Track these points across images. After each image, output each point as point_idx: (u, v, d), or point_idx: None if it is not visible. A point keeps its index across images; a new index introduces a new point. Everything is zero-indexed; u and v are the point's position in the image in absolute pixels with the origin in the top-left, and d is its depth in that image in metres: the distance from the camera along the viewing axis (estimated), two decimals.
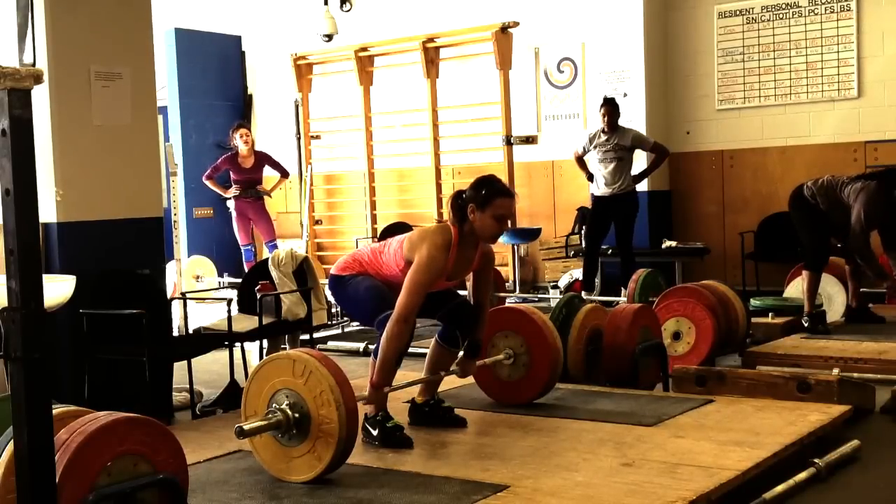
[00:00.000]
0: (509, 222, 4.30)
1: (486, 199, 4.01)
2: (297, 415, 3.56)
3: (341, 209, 11.57)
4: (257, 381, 3.68)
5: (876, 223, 6.32)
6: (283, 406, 3.57)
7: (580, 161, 8.61)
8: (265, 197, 10.07)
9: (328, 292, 4.71)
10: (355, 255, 4.26)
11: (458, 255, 4.05)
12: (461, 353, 4.34)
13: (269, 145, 10.82)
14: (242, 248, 9.97)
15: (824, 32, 8.84)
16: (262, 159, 10.03)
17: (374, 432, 4.00)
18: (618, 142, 8.28)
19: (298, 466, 3.58)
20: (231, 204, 11.70)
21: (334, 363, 3.62)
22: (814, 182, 6.68)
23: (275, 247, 9.67)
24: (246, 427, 3.53)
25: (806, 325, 6.47)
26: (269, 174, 10.09)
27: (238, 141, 9.80)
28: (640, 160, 8.64)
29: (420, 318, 4.22)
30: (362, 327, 7.84)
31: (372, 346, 4.62)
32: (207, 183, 10.11)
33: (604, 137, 8.34)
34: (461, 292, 4.43)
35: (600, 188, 8.38)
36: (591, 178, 8.53)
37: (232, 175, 9.88)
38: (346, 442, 3.55)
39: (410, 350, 4.36)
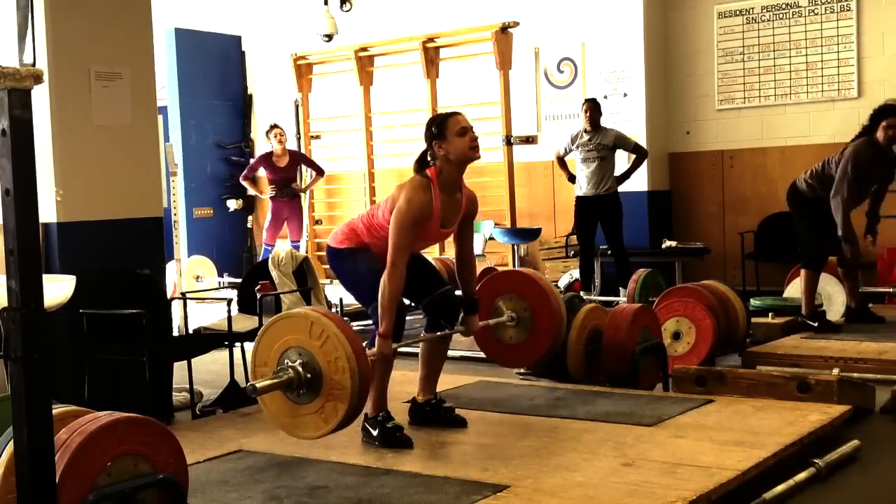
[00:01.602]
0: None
1: (441, 126, 4.09)
2: (308, 375, 3.56)
3: (341, 209, 11.56)
4: (270, 334, 3.67)
5: (861, 172, 6.30)
6: (296, 364, 3.56)
7: (561, 161, 8.62)
8: (301, 196, 10.20)
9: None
10: (350, 225, 4.23)
11: (442, 197, 4.05)
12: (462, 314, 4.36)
13: (269, 145, 10.81)
14: (265, 247, 9.98)
15: (824, 32, 8.84)
16: (297, 158, 10.14)
17: (374, 432, 4.00)
18: (600, 141, 8.29)
19: (304, 424, 3.60)
20: (231, 204, 11.74)
21: (352, 330, 3.61)
22: (806, 172, 6.68)
23: (298, 247, 9.73)
24: (259, 385, 3.54)
25: (815, 324, 6.46)
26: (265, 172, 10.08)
27: (272, 141, 9.87)
28: (621, 162, 8.62)
29: (411, 299, 4.24)
30: (363, 327, 7.85)
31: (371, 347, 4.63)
32: (245, 183, 10.19)
33: (586, 137, 8.35)
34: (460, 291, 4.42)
35: (583, 188, 8.38)
36: (571, 178, 8.53)
37: (267, 175, 9.93)
38: (356, 408, 3.56)
39: (406, 350, 4.36)
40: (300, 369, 3.56)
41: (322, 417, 3.56)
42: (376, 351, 3.91)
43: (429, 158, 4.12)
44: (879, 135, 6.36)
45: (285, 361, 3.61)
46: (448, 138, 4.06)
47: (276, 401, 3.65)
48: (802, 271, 6.62)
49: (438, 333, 4.30)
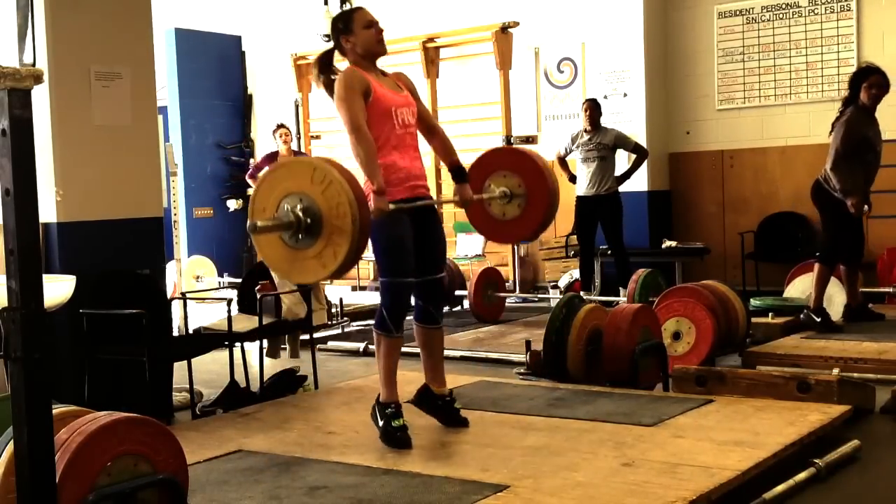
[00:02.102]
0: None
1: (348, 21, 4.13)
2: (308, 220, 3.54)
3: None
4: (271, 180, 3.66)
5: (859, 138, 6.38)
6: (297, 210, 3.55)
7: (562, 162, 8.61)
8: None
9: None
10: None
11: (372, 75, 4.08)
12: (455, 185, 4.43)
13: (270, 145, 10.81)
14: None
15: (824, 32, 8.84)
16: None
17: (380, 423, 4.04)
18: (600, 141, 8.29)
19: (302, 269, 3.61)
20: (231, 204, 11.74)
21: (354, 178, 3.60)
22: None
23: None
24: (259, 223, 3.54)
25: (818, 319, 6.48)
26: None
27: (278, 140, 9.86)
28: (622, 162, 8.62)
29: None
30: (362, 327, 7.85)
31: (371, 347, 4.63)
32: (251, 181, 10.19)
33: (586, 137, 8.35)
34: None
35: (584, 188, 8.38)
36: (572, 179, 8.53)
37: None
38: (355, 254, 3.56)
39: (406, 350, 4.35)
40: (300, 214, 3.54)
41: (321, 262, 3.55)
42: (373, 207, 3.84)
43: (338, 58, 4.14)
44: (863, 96, 6.47)
45: (285, 207, 3.59)
46: (355, 31, 4.11)
47: (273, 246, 3.63)
48: (816, 265, 6.62)
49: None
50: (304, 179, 3.57)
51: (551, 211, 4.56)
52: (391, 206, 3.95)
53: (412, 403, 4.31)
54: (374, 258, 4.32)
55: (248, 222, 3.58)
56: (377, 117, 4.04)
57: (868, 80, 6.46)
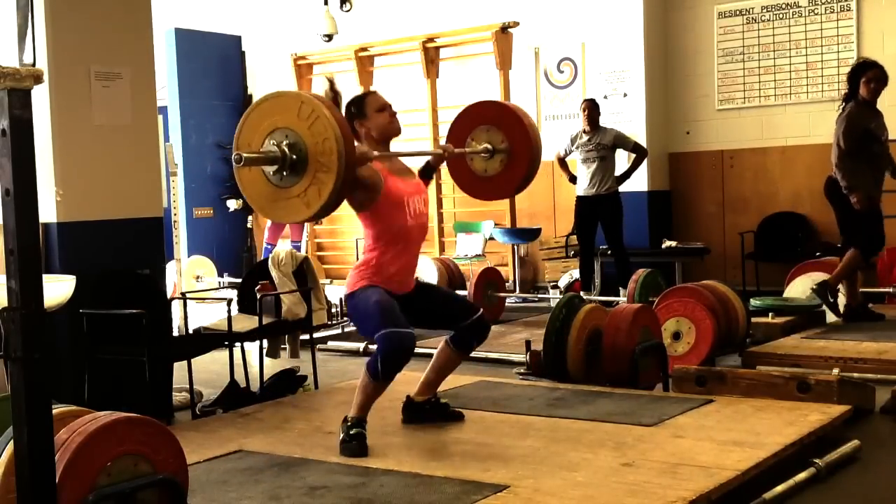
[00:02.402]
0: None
1: (360, 106, 4.13)
2: (294, 156, 3.51)
3: (341, 209, 11.50)
4: (257, 114, 3.63)
5: (862, 132, 6.45)
6: (283, 145, 3.52)
7: (562, 163, 8.61)
8: None
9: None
10: (357, 263, 4.19)
11: (385, 162, 4.07)
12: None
13: None
14: (266, 246, 9.97)
15: (824, 32, 8.85)
16: None
17: (340, 435, 3.96)
18: (599, 141, 8.29)
19: (285, 207, 3.58)
20: (231, 204, 11.74)
21: (342, 115, 3.58)
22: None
23: (299, 247, 9.70)
24: (245, 154, 3.51)
25: (831, 299, 6.62)
26: None
27: None
28: (622, 162, 8.62)
29: (436, 329, 4.23)
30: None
31: (372, 346, 4.63)
32: None
33: (585, 137, 8.35)
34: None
35: (584, 188, 8.38)
36: (573, 179, 8.54)
37: None
38: (339, 194, 3.54)
39: (416, 350, 4.36)
40: (286, 150, 3.51)
41: (304, 201, 3.51)
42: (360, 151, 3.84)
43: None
44: (863, 91, 6.53)
45: (271, 142, 3.54)
46: (368, 115, 4.11)
47: (257, 184, 3.60)
48: (851, 249, 6.68)
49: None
50: (291, 114, 3.53)
51: (533, 167, 4.54)
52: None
53: (404, 423, 4.31)
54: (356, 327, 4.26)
55: (234, 154, 3.53)
56: (389, 208, 4.03)
57: (866, 74, 6.51)
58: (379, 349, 3.87)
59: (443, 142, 4.63)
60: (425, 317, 4.20)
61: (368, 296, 3.99)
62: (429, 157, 4.50)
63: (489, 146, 4.49)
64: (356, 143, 3.81)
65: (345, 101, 4.09)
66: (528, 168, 4.51)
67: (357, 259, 4.21)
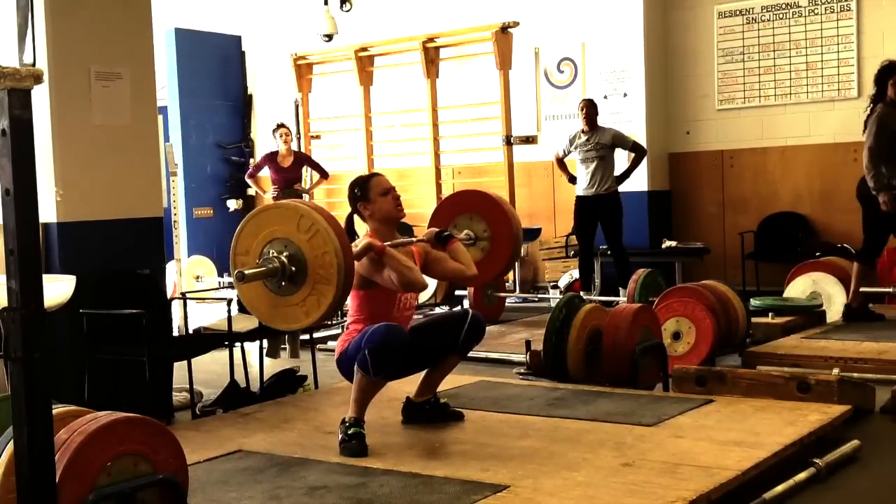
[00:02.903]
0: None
1: (364, 188, 4.16)
2: (293, 267, 3.56)
3: (341, 209, 11.54)
4: (254, 224, 3.69)
5: (886, 135, 6.46)
6: (282, 256, 3.56)
7: (560, 163, 8.62)
8: (304, 196, 10.19)
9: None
10: (344, 333, 4.19)
11: (391, 246, 4.06)
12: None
13: (270, 145, 10.83)
14: None
15: (824, 32, 8.84)
16: (302, 159, 10.13)
17: (339, 435, 3.97)
18: (598, 140, 8.29)
19: (284, 315, 3.64)
20: (231, 204, 11.74)
21: (340, 226, 3.62)
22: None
23: None
24: (247, 272, 3.57)
25: (854, 307, 6.68)
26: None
27: (277, 140, 9.86)
28: (621, 162, 8.62)
29: (445, 356, 4.26)
30: None
31: None
32: (250, 181, 10.21)
33: (584, 137, 8.35)
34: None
35: (583, 188, 8.38)
36: (572, 180, 8.53)
37: (271, 174, 9.92)
38: (338, 303, 3.59)
39: None
40: (285, 261, 3.55)
41: (304, 310, 3.57)
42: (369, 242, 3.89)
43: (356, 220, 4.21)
44: (891, 92, 6.55)
45: (270, 252, 3.59)
46: (372, 199, 4.13)
47: (255, 290, 3.64)
48: (854, 263, 6.79)
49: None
50: (290, 226, 3.58)
51: (514, 257, 4.68)
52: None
53: (404, 423, 4.32)
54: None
55: (236, 272, 3.59)
56: (380, 297, 4.05)
57: (893, 76, 6.54)
58: (365, 342, 3.86)
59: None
60: (426, 353, 4.21)
61: (354, 343, 4.00)
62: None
63: (471, 234, 4.56)
64: (362, 236, 3.90)
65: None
66: (510, 258, 4.63)
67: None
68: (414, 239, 4.33)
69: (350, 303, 4.13)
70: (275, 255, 3.58)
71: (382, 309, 4.06)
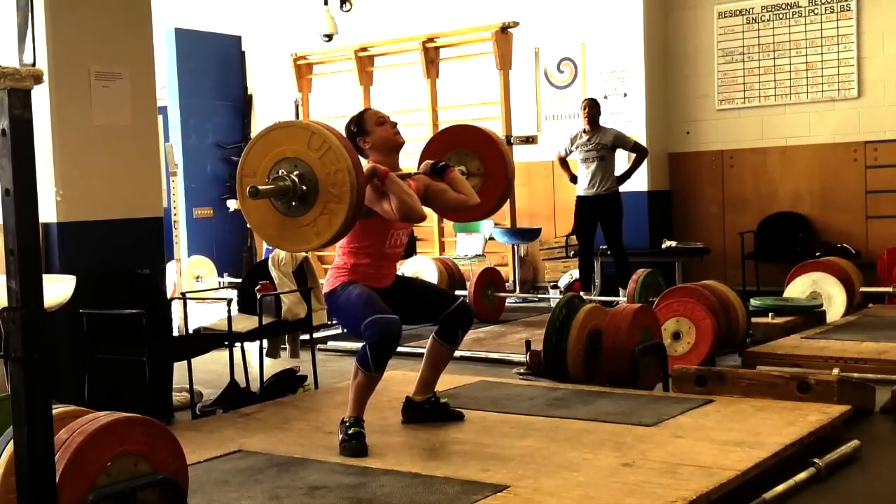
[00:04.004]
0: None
1: (360, 123, 4.16)
2: (304, 186, 3.51)
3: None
4: (263, 143, 3.63)
5: None
6: (293, 175, 3.52)
7: (563, 163, 8.62)
8: None
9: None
10: (334, 265, 4.21)
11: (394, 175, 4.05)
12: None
13: None
14: (266, 247, 9.95)
15: (824, 32, 8.84)
16: None
17: (339, 436, 3.97)
18: (599, 141, 8.29)
19: (293, 236, 3.59)
20: (231, 204, 11.73)
21: (351, 146, 3.59)
22: None
23: None
24: (261, 187, 3.50)
25: None
26: None
27: None
28: (622, 162, 8.62)
29: (419, 324, 4.22)
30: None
31: None
32: None
33: (585, 137, 8.35)
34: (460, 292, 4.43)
35: (584, 188, 8.38)
36: (573, 179, 8.54)
37: None
38: (350, 223, 3.55)
39: (408, 350, 4.36)
40: (296, 180, 3.50)
41: (314, 230, 3.52)
42: (380, 176, 3.89)
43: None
44: None
45: (279, 172, 3.53)
46: (369, 130, 4.15)
47: (263, 212, 3.60)
48: None
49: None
50: (301, 144, 3.52)
51: (506, 193, 4.57)
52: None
53: (404, 423, 4.32)
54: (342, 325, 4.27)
55: (248, 187, 3.53)
56: (372, 230, 4.05)
57: None
58: (366, 337, 3.89)
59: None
60: (407, 309, 4.19)
61: (349, 291, 4.04)
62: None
63: (464, 169, 4.52)
64: (364, 161, 3.87)
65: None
66: (502, 193, 4.57)
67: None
68: (411, 172, 4.30)
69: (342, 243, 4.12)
70: (285, 174, 3.52)
71: (375, 241, 4.07)
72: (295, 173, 3.52)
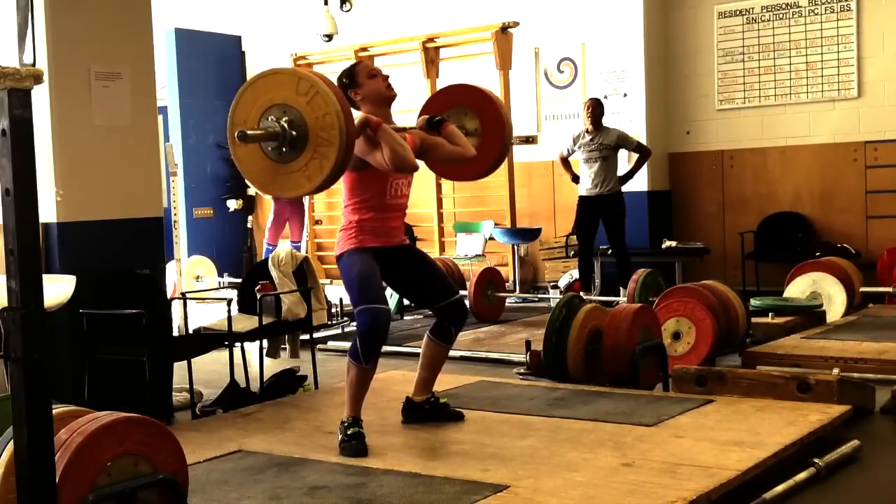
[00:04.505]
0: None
1: (351, 75, 4.15)
2: (293, 132, 3.52)
3: (341, 209, 11.55)
4: (253, 91, 3.63)
5: None
6: (282, 121, 3.53)
7: (565, 162, 8.62)
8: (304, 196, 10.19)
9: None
10: (341, 226, 4.21)
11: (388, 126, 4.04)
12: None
13: None
14: (267, 247, 9.97)
15: (824, 32, 8.84)
16: None
17: (339, 437, 3.98)
18: (602, 141, 8.29)
19: (285, 182, 3.59)
20: (231, 204, 11.74)
21: (339, 89, 3.59)
22: None
23: (299, 247, 9.70)
24: (249, 132, 3.51)
25: None
26: None
27: None
28: (623, 162, 8.62)
29: (415, 304, 4.21)
30: None
31: None
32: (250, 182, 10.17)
33: (588, 137, 8.35)
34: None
35: (587, 188, 8.38)
36: (575, 179, 8.53)
37: None
38: (341, 167, 3.55)
39: (408, 350, 4.35)
40: (286, 126, 3.51)
41: (306, 175, 3.53)
42: (372, 126, 3.87)
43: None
44: None
45: (269, 118, 3.55)
46: (361, 83, 4.13)
47: (255, 160, 3.61)
48: None
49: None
50: (289, 90, 3.53)
51: (503, 153, 4.56)
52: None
53: (403, 423, 4.32)
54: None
55: (237, 131, 3.53)
56: (371, 181, 4.05)
57: None
58: (357, 325, 3.98)
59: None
60: (408, 285, 4.21)
61: (353, 263, 4.06)
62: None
63: (463, 128, 4.49)
64: (356, 112, 3.87)
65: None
66: (499, 153, 4.54)
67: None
68: (407, 126, 4.29)
69: (343, 188, 4.13)
70: (274, 120, 3.54)
71: (375, 193, 4.07)
72: (284, 119, 3.53)
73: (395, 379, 5.10)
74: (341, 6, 10.85)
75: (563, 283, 9.19)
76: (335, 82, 4.02)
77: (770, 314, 6.69)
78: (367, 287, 3.99)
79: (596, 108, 8.37)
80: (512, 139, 4.58)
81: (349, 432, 3.93)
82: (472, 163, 4.42)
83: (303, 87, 3.52)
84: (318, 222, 11.48)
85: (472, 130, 4.50)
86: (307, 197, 10.88)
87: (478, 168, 4.51)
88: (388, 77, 4.21)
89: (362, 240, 4.10)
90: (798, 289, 7.18)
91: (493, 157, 4.52)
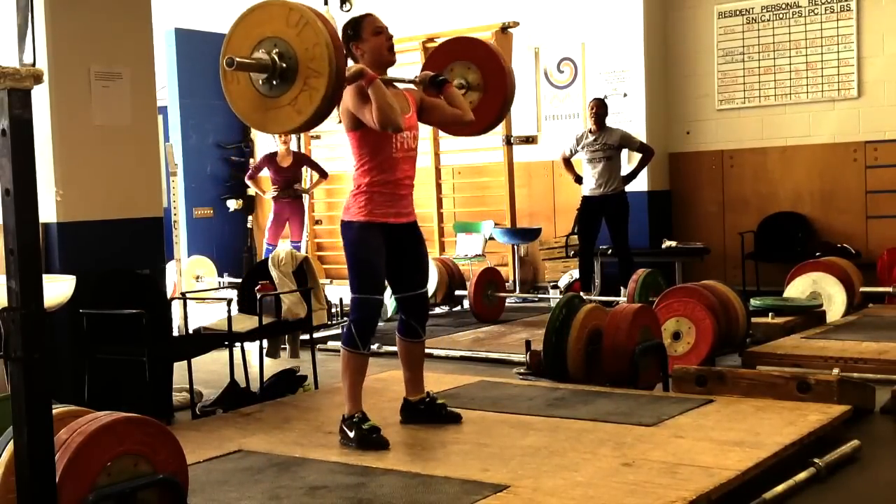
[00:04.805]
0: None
1: (357, 28, 4.11)
2: (283, 64, 3.51)
3: (341, 209, 11.55)
4: (245, 26, 3.62)
5: None
6: (272, 54, 3.51)
7: (567, 163, 8.62)
8: (304, 196, 10.21)
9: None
10: (350, 191, 4.17)
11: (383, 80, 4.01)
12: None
13: (269, 145, 10.83)
14: (267, 247, 9.98)
15: (824, 32, 8.84)
16: (301, 160, 10.13)
17: (351, 434, 4.00)
18: (605, 141, 8.29)
19: (276, 117, 3.59)
20: (231, 204, 11.74)
21: (331, 24, 3.57)
22: None
23: (299, 247, 9.71)
24: (237, 59, 3.49)
25: None
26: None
27: (276, 140, 9.87)
28: (626, 162, 8.63)
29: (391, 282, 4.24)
30: None
31: (374, 347, 4.63)
32: (249, 182, 10.21)
33: (591, 137, 8.35)
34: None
35: (590, 188, 8.38)
36: (578, 180, 8.53)
37: (270, 175, 9.91)
38: (331, 100, 3.53)
39: (391, 350, 4.34)
40: (276, 58, 3.50)
41: (296, 109, 3.51)
42: (365, 78, 3.84)
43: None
44: None
45: (260, 51, 3.53)
46: (364, 38, 4.09)
47: (245, 96, 3.61)
48: None
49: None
50: (279, 22, 3.52)
51: (505, 108, 4.54)
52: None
53: (402, 424, 4.33)
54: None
55: (226, 58, 3.51)
56: (376, 137, 4.01)
57: None
58: (351, 313, 4.06)
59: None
60: (391, 261, 4.17)
61: (358, 242, 4.07)
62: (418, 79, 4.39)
63: (464, 82, 4.47)
64: (355, 63, 3.87)
65: None
66: (501, 108, 4.52)
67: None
68: (406, 78, 4.25)
69: (350, 150, 4.11)
70: (264, 52, 3.53)
71: (381, 149, 4.04)
72: (274, 51, 3.52)
73: (396, 379, 5.10)
74: (341, 6, 10.83)
75: (563, 283, 9.19)
76: (342, 31, 4.03)
77: (770, 314, 6.69)
78: (367, 275, 4.05)
79: (599, 109, 8.37)
80: (513, 95, 4.52)
81: (365, 427, 3.98)
82: (475, 118, 4.39)
83: (293, 18, 3.50)
84: (318, 222, 11.48)
85: (474, 84, 4.47)
86: (307, 197, 10.88)
87: (479, 124, 4.46)
88: (392, 38, 4.14)
89: (371, 211, 4.06)
90: (798, 289, 7.18)
91: (494, 113, 4.50)
